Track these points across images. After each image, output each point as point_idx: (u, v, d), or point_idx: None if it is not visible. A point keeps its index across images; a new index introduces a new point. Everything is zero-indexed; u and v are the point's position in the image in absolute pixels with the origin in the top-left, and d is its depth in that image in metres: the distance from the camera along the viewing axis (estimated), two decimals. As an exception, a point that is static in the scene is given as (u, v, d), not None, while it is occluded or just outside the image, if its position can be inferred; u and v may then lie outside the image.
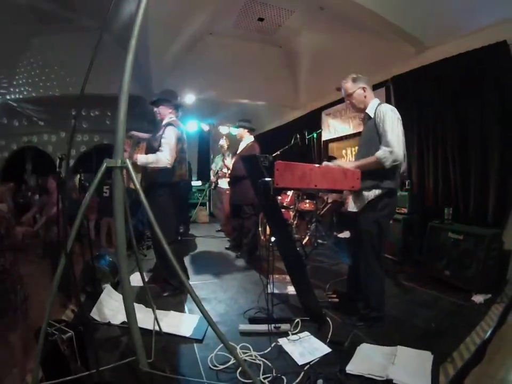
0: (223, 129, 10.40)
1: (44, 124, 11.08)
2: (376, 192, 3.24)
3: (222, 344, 2.86)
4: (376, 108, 3.33)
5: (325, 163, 3.39)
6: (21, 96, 9.10)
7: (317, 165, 2.74)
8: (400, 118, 3.27)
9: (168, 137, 4.02)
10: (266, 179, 2.67)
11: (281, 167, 2.57)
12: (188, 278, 4.64)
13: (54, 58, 8.35)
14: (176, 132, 4.12)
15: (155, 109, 4.41)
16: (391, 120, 3.17)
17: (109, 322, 3.35)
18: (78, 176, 4.69)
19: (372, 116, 3.35)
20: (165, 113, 4.36)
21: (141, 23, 2.05)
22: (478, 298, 4.01)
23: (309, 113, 9.89)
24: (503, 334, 3.13)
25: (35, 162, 12.08)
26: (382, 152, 3.13)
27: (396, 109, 3.30)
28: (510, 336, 3.05)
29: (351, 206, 3.49)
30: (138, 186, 2.08)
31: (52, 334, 2.25)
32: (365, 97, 3.44)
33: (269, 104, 10.35)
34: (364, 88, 3.43)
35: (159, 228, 3.78)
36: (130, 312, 2.04)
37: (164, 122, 4.30)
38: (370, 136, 3.32)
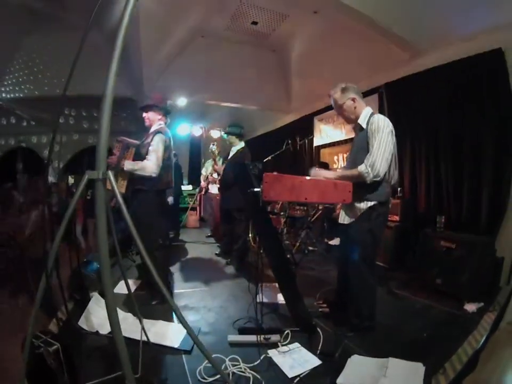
0: (215, 133, 10.37)
1: (37, 124, 11.01)
2: (369, 203, 3.21)
3: (211, 355, 2.84)
4: (369, 119, 3.28)
5: (312, 172, 3.36)
6: (17, 95, 9.02)
7: (307, 177, 2.68)
8: (393, 130, 3.23)
9: (156, 146, 4.04)
10: (256, 189, 2.61)
11: (270, 179, 2.51)
12: (170, 285, 4.61)
13: (47, 58, 8.29)
14: (164, 140, 4.13)
15: (144, 115, 4.41)
16: (382, 134, 3.12)
17: (97, 331, 3.29)
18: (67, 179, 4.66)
19: (364, 126, 3.30)
20: (154, 120, 4.37)
21: (125, 31, 2.01)
22: (471, 307, 3.98)
23: (301, 118, 9.91)
24: (496, 340, 3.11)
25: (27, 162, 12.03)
26: (363, 167, 3.11)
27: (388, 120, 3.24)
28: (502, 342, 3.02)
29: (342, 218, 3.46)
30: (120, 199, 2.02)
31: (38, 347, 2.19)
32: (355, 108, 3.39)
33: (261, 108, 10.29)
34: (353, 99, 3.37)
35: (143, 235, 3.81)
36: (116, 329, 1.96)
37: (152, 129, 4.30)
38: (361, 147, 3.28)
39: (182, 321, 2.14)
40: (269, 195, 2.52)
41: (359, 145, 3.35)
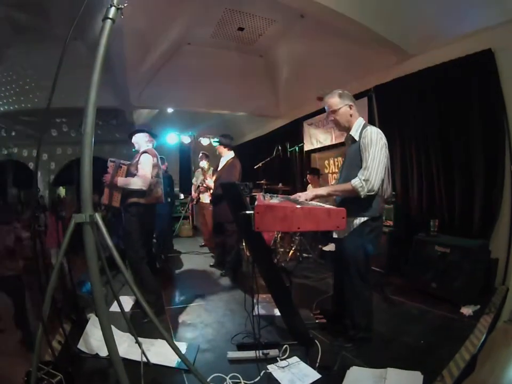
0: (204, 141, 10.32)
1: (24, 136, 10.93)
2: (362, 219, 3.17)
3: (212, 375, 2.87)
4: (362, 131, 3.22)
5: (303, 195, 3.32)
6: (2, 109, 8.93)
7: (298, 206, 2.63)
8: (386, 143, 3.18)
9: (143, 163, 4.35)
10: (248, 212, 2.59)
11: (262, 210, 2.47)
12: (161, 298, 4.63)
13: (32, 69, 8.19)
14: (150, 159, 4.43)
15: (133, 140, 4.74)
16: (375, 147, 3.06)
17: (97, 354, 3.24)
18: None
19: (357, 138, 3.24)
20: (142, 143, 4.67)
21: (104, 50, 2.07)
22: (467, 311, 4.00)
23: (290, 122, 9.90)
24: (493, 340, 3.13)
25: (16, 175, 11.96)
26: (357, 181, 3.05)
27: (382, 132, 3.19)
28: (499, 342, 3.04)
29: (336, 232, 3.42)
30: (110, 243, 2.01)
31: (41, 379, 2.18)
32: (351, 115, 3.33)
33: (249, 114, 10.25)
34: (350, 106, 3.32)
35: (130, 246, 4.21)
36: (112, 352, 1.94)
37: (140, 151, 4.57)
38: (353, 160, 3.24)
39: (171, 344, 2.12)
40: (260, 226, 2.49)
41: (352, 160, 3.29)
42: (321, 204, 3.01)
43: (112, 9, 2.07)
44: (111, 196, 4.27)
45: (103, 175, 4.28)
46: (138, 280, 4.27)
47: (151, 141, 4.73)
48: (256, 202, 2.59)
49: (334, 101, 3.34)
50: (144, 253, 4.36)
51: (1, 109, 8.86)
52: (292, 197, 3.27)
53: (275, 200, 2.96)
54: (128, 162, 4.40)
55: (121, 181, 4.22)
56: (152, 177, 4.40)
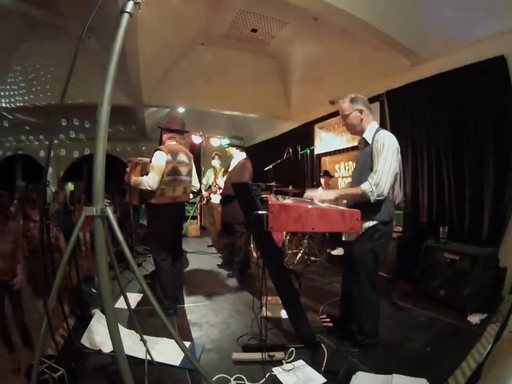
0: (215, 141, 10.30)
1: (35, 130, 11.00)
2: (371, 223, 3.16)
3: (216, 375, 2.86)
4: (375, 135, 3.22)
5: (314, 194, 3.34)
6: (16, 103, 8.97)
7: (310, 206, 2.61)
8: (399, 148, 3.17)
9: (153, 161, 4.24)
10: (260, 212, 2.57)
11: (276, 210, 2.46)
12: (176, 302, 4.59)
13: (45, 65, 8.25)
14: (162, 156, 4.26)
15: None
16: (387, 152, 3.05)
17: (100, 350, 3.25)
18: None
19: (370, 142, 3.24)
20: (165, 139, 4.62)
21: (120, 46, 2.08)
22: (474, 319, 3.97)
23: (302, 125, 9.89)
24: (498, 348, 3.09)
25: (25, 169, 12.05)
26: (367, 186, 3.04)
27: (394, 137, 3.19)
28: (505, 351, 3.01)
29: (346, 235, 3.41)
30: (120, 237, 2.01)
31: (43, 373, 2.17)
32: (362, 120, 3.32)
33: (260, 115, 10.26)
34: (361, 111, 3.30)
35: (150, 246, 4.30)
36: (118, 349, 1.94)
37: None
38: (365, 163, 3.23)
39: (179, 343, 2.12)
40: (274, 226, 2.48)
41: (364, 163, 3.28)
42: (334, 205, 3.01)
43: (130, 3, 2.05)
44: (130, 194, 4.40)
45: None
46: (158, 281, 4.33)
47: (174, 138, 4.58)
48: (269, 202, 2.57)
49: (345, 106, 3.37)
50: (165, 254, 4.31)
51: (14, 100, 8.93)
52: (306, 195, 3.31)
53: (288, 201, 2.95)
54: (145, 160, 4.42)
55: (132, 180, 4.23)
56: (164, 176, 4.23)
